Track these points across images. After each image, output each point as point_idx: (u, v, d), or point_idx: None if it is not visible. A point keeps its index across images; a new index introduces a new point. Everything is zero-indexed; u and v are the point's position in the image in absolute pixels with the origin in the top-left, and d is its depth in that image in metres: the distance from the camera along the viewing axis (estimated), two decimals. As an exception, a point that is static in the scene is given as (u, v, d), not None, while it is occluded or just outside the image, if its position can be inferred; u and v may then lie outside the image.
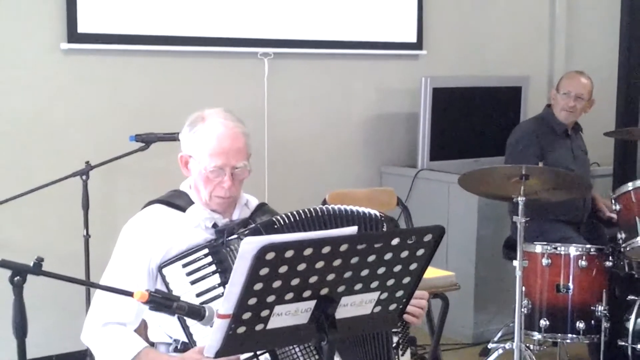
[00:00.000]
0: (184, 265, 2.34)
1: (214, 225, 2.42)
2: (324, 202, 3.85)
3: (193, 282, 2.32)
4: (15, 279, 1.94)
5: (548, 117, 4.49)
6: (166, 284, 2.33)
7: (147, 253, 2.36)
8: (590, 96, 4.43)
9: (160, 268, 2.34)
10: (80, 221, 3.83)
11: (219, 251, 2.33)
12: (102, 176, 4.03)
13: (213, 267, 2.33)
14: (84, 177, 3.79)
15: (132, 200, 4.04)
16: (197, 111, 2.48)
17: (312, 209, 2.33)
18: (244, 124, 2.46)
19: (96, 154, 3.89)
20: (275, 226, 2.27)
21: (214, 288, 2.31)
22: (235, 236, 2.34)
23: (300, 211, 2.31)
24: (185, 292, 2.29)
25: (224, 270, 2.31)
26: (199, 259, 2.34)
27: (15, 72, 4.09)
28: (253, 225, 2.36)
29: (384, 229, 2.36)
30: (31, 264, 1.95)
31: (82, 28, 4.16)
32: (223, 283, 2.30)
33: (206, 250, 2.34)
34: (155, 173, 4.11)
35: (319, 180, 4.88)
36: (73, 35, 4.15)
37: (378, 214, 2.39)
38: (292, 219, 2.29)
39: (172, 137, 3.63)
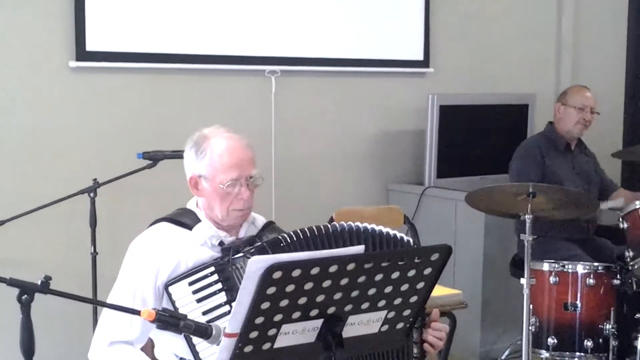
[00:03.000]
0: (190, 284, 2.34)
1: (221, 243, 2.42)
2: (331, 220, 3.85)
3: (199, 300, 2.32)
4: (23, 297, 1.95)
5: (549, 133, 4.55)
6: (172, 302, 2.33)
7: (153, 271, 2.36)
8: None
9: (166, 286, 2.35)
10: (87, 238, 3.84)
11: (225, 269, 2.33)
12: (109, 194, 4.03)
13: (219, 285, 2.33)
14: (91, 194, 3.80)
15: (139, 217, 4.03)
16: (196, 132, 2.49)
17: (317, 227, 2.31)
18: None
19: (104, 172, 3.90)
20: (282, 244, 2.27)
21: (220, 306, 2.31)
22: (241, 255, 2.34)
23: (306, 229, 2.31)
24: (192, 310, 2.29)
25: (230, 289, 2.31)
26: (205, 277, 2.34)
27: (24, 89, 4.11)
28: (259, 243, 2.36)
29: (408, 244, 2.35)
30: (39, 283, 1.95)
31: (90, 46, 4.18)
32: (229, 301, 2.29)
33: (212, 269, 2.34)
34: (163, 190, 4.11)
35: (325, 197, 4.89)
36: (81, 53, 4.17)
37: (405, 237, 2.35)
38: (298, 237, 2.29)
39: (180, 155, 3.58)
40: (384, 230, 2.36)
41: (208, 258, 2.38)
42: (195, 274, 2.34)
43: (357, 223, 2.35)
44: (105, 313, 2.38)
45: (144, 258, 2.39)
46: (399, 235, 2.35)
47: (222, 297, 2.32)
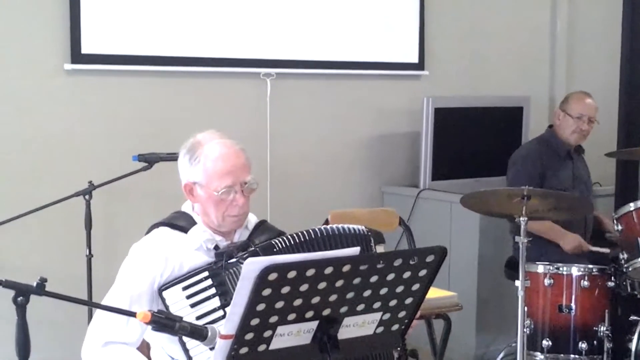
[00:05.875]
0: (184, 288, 2.33)
1: (216, 247, 2.42)
2: (326, 222, 3.85)
3: (193, 305, 2.31)
4: (19, 299, 1.95)
5: (551, 138, 4.50)
6: (166, 307, 2.32)
7: (151, 278, 2.36)
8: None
9: (160, 291, 2.34)
10: (82, 241, 3.83)
11: (219, 274, 2.33)
12: (105, 196, 4.03)
13: (213, 290, 2.32)
14: (86, 197, 3.80)
15: (134, 220, 4.05)
16: (190, 138, 2.49)
17: (310, 230, 2.32)
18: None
19: (99, 174, 3.90)
20: (274, 249, 2.27)
21: (214, 311, 2.31)
22: (234, 260, 2.33)
23: (300, 233, 2.31)
24: (186, 315, 2.27)
25: (224, 293, 2.30)
26: (199, 281, 2.33)
27: (19, 92, 4.11)
28: (252, 248, 2.35)
29: (372, 244, 2.37)
30: (34, 284, 1.95)
31: (85, 49, 4.18)
32: (223, 306, 2.29)
33: (206, 273, 2.34)
34: (158, 193, 4.11)
35: (320, 200, 4.89)
36: (77, 56, 4.17)
37: (363, 228, 2.39)
38: (291, 242, 2.29)
39: (175, 157, 3.56)
40: (362, 228, 2.36)
41: (202, 263, 2.38)
42: (189, 278, 2.34)
43: (347, 225, 2.35)
44: (100, 313, 2.37)
45: (143, 264, 2.38)
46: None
47: (215, 301, 2.31)
